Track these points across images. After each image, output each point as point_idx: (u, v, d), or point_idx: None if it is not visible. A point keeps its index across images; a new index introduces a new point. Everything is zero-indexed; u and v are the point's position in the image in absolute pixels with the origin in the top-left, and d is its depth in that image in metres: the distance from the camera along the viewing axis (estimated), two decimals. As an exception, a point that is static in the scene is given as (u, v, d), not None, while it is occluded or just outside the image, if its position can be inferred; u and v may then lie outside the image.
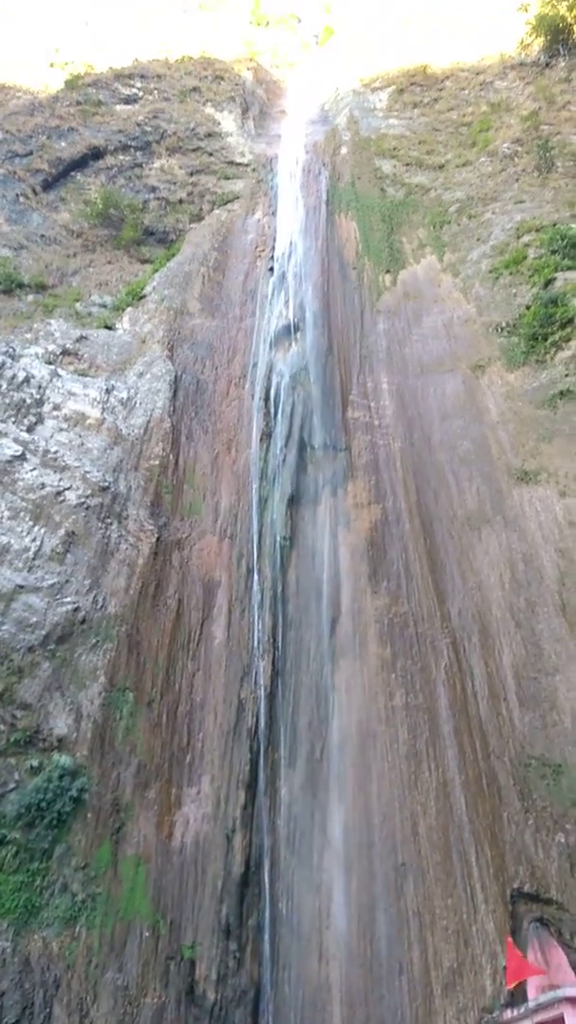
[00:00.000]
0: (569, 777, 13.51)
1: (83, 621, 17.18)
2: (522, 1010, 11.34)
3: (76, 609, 17.20)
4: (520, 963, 11.68)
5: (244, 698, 17.00)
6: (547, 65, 37.15)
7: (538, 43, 37.73)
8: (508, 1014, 11.63)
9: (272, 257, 30.52)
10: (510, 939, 12.45)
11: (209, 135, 39.37)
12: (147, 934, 13.80)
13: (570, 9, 36.45)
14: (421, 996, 12.67)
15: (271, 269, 29.88)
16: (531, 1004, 11.19)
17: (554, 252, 23.13)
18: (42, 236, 30.65)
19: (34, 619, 16.60)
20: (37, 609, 16.78)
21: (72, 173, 34.86)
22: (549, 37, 37.06)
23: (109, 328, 25.64)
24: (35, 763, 14.97)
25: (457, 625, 16.84)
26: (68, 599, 17.29)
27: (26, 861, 13.89)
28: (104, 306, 27.11)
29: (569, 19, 36.56)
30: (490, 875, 13.38)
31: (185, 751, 16.30)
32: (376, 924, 13.74)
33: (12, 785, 14.62)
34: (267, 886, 14.68)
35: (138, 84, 42.91)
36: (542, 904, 12.68)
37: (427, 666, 16.53)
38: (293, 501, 21.05)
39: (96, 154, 35.96)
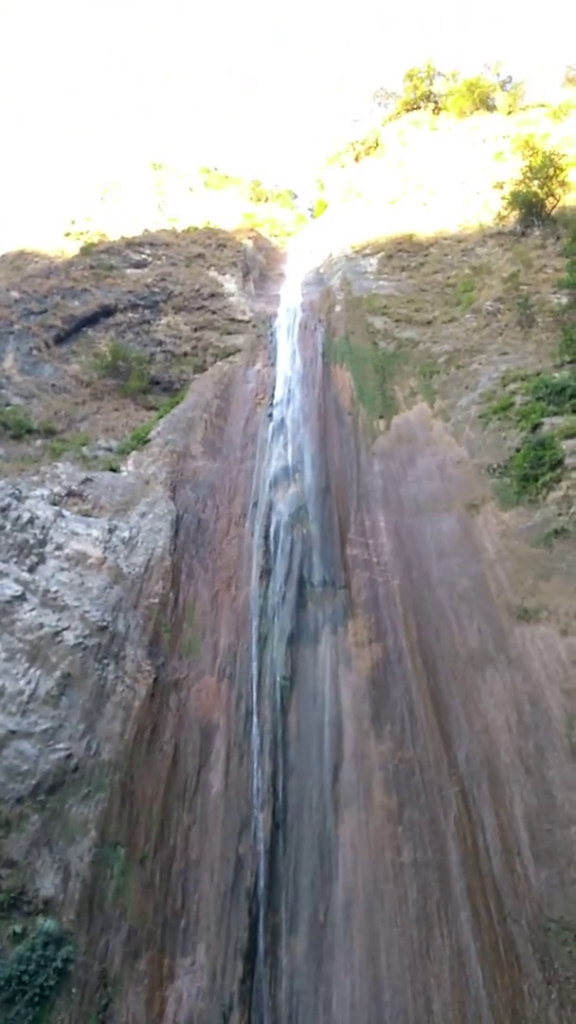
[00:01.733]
0: (593, 943, 12.55)
1: (75, 769, 16.51)
2: None
3: (69, 756, 16.57)
4: None
5: (243, 854, 16.02)
6: (523, 234, 40.77)
7: (514, 215, 41.59)
8: None
9: (271, 404, 32.10)
10: None
11: (212, 295, 42.47)
12: None
13: (541, 187, 40.52)
14: None
15: (270, 415, 31.34)
16: None
17: (539, 399, 24.33)
18: (53, 385, 32.31)
19: (25, 767, 15.95)
20: (28, 756, 16.17)
21: (84, 329, 37.30)
22: (523, 210, 40.91)
23: (114, 471, 26.47)
24: (18, 928, 13.85)
25: (465, 771, 16.19)
26: (61, 745, 16.71)
27: (2, 1046, 12.60)
28: (110, 450, 28.12)
29: (541, 195, 40.55)
30: (514, 1061, 12.10)
31: (179, 915, 15.15)
32: None
33: (-8, 955, 13.49)
34: (267, 1077, 13.23)
35: (147, 251, 46.85)
36: None
37: (436, 817, 15.73)
38: (293, 639, 20.87)
39: (107, 312, 38.66)
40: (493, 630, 18.63)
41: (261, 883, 15.55)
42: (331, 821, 16.64)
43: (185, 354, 37.35)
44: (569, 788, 14.55)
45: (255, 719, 18.79)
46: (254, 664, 20.23)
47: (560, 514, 19.87)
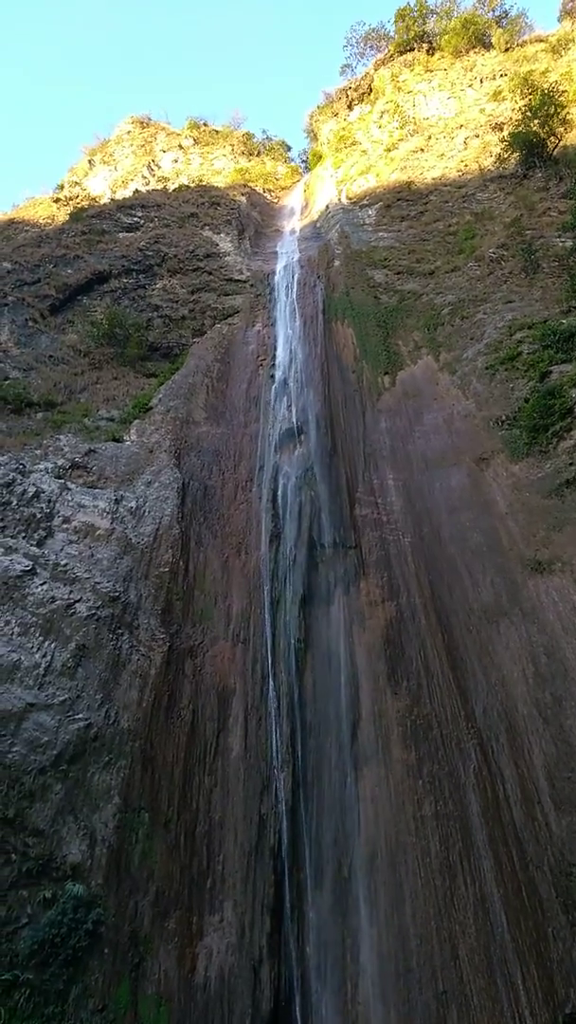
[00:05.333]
0: (615, 887, 12.69)
1: (95, 738, 16.69)
2: None
3: (88, 726, 16.74)
4: None
5: (265, 814, 16.23)
6: (524, 176, 39.57)
7: (514, 157, 40.31)
8: None
9: (273, 365, 31.60)
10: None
11: (208, 256, 41.60)
12: None
13: (542, 126, 39.19)
14: None
15: (273, 376, 30.88)
16: None
17: (547, 347, 23.85)
18: (50, 357, 31.89)
19: (45, 738, 16.13)
20: (48, 728, 16.34)
21: (78, 297, 36.64)
22: (524, 151, 39.64)
23: (117, 440, 26.24)
24: (48, 894, 14.14)
25: (483, 724, 16.26)
26: (80, 715, 16.87)
27: (41, 1005, 12.90)
28: (112, 420, 27.85)
29: (542, 135, 39.24)
30: (539, 1000, 12.31)
31: (205, 875, 15.43)
32: (420, 1065, 12.56)
33: (24, 920, 13.78)
34: (299, 1023, 13.55)
35: (139, 213, 45.81)
36: (599, 1033, 11.64)
37: (455, 770, 15.85)
38: (306, 601, 20.86)
39: (101, 279, 37.92)
40: (506, 583, 18.53)
41: (284, 841, 15.77)
42: (351, 778, 16.82)
43: (183, 318, 36.73)
44: (587, 736, 14.58)
45: (271, 682, 18.89)
46: (268, 628, 20.26)
47: (571, 463, 19.61)
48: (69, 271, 37.38)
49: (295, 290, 37.38)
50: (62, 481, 22.78)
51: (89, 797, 15.67)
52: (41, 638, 17.90)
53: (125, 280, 38.48)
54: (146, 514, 22.97)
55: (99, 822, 15.38)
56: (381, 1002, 13.47)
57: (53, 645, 17.87)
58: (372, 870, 15.17)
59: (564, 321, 24.49)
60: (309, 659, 19.59)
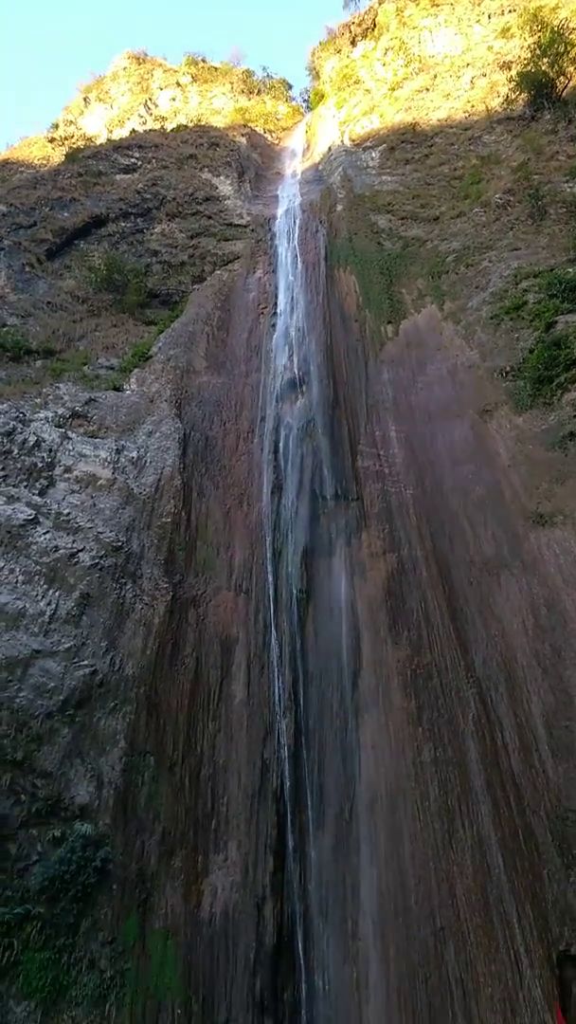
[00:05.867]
0: (609, 830, 13.09)
1: (101, 684, 16.95)
2: None
3: (94, 672, 16.98)
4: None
5: (268, 758, 16.61)
6: (533, 118, 38.31)
7: (522, 98, 38.96)
8: None
9: (275, 313, 31.10)
10: (558, 1005, 11.90)
11: (207, 199, 40.55)
12: (179, 1011, 13.22)
13: (551, 66, 37.78)
14: (470, 1073, 12.02)
15: (274, 325, 30.42)
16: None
17: (553, 296, 23.45)
18: (48, 303, 31.32)
19: (52, 684, 16.38)
20: (54, 674, 16.58)
21: (76, 242, 35.82)
22: (533, 92, 38.28)
23: (117, 390, 25.97)
24: (57, 833, 14.59)
25: (482, 674, 16.53)
26: (85, 662, 17.10)
27: (52, 937, 13.42)
28: (111, 368, 27.51)
29: (551, 74, 37.86)
30: (534, 937, 12.83)
31: (210, 816, 15.86)
32: (417, 995, 13.11)
33: (35, 857, 14.23)
34: (301, 957, 14.10)
35: (136, 154, 44.44)
36: (591, 967, 12.15)
37: (454, 718, 16.17)
38: (308, 553, 20.97)
39: (98, 222, 37.02)
40: (508, 536, 18.60)
41: (287, 785, 16.17)
42: (352, 725, 17.16)
43: (182, 264, 35.98)
44: (585, 686, 14.84)
45: (273, 632, 19.10)
46: (270, 578, 20.40)
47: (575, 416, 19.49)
48: (66, 214, 36.46)
49: (296, 235, 36.54)
50: (63, 430, 22.61)
51: (96, 741, 15.99)
52: (45, 586, 18.01)
53: (123, 224, 37.58)
54: (148, 464, 22.88)
55: (106, 765, 15.72)
56: (381, 938, 14.00)
57: (57, 593, 17.99)
58: (372, 813, 15.61)
59: (571, 270, 24.03)
60: (311, 609, 19.78)
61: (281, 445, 24.43)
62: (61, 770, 15.31)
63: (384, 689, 17.50)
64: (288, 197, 42.70)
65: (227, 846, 15.47)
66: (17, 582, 17.76)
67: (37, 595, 17.80)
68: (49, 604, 17.73)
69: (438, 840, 14.63)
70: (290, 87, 72.73)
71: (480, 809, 14.67)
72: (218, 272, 35.19)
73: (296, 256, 34.65)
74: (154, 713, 17.07)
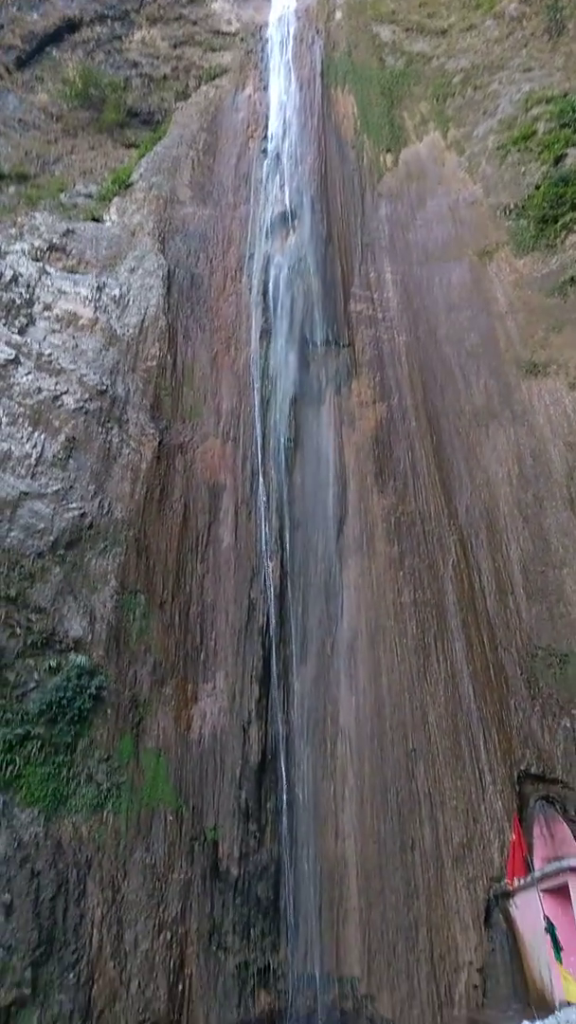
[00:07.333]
0: (575, 665, 13.94)
1: (90, 526, 17.20)
2: (528, 879, 12.12)
3: (83, 515, 17.17)
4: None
5: (254, 598, 17.24)
6: None
7: None
8: (515, 883, 12.45)
9: (265, 137, 28.54)
10: (516, 815, 13.23)
11: (192, 1, 36.04)
12: (171, 818, 14.57)
13: None
14: (433, 868, 13.54)
15: (265, 150, 28.02)
16: (536, 873, 11.95)
17: (565, 126, 21.71)
18: (20, 120, 28.61)
19: (41, 525, 16.61)
20: (43, 515, 16.76)
21: (47, 49, 32.10)
22: None
23: (96, 220, 24.33)
24: (53, 663, 15.38)
25: (465, 522, 16.89)
26: (74, 504, 17.25)
27: (51, 754, 14.49)
28: (90, 196, 25.63)
29: None
30: (498, 758, 14.03)
31: (199, 650, 16.70)
32: (388, 804, 14.48)
33: (32, 684, 15.07)
34: (283, 773, 15.40)
35: None
36: (548, 784, 13.46)
37: (435, 563, 16.70)
38: (296, 401, 20.66)
39: (71, 26, 32.98)
40: (500, 386, 18.36)
41: (272, 622, 16.91)
42: (336, 568, 17.72)
43: (165, 77, 32.55)
44: (564, 534, 15.30)
45: (261, 479, 19.19)
46: (258, 426, 20.21)
47: (579, 260, 18.66)
48: (35, 16, 32.40)
49: (290, 47, 32.81)
50: (40, 264, 21.39)
51: (87, 580, 16.46)
52: (30, 429, 17.79)
53: (98, 29, 33.49)
54: (130, 303, 21.90)
55: (98, 602, 16.29)
56: (357, 756, 15.25)
57: (43, 436, 17.81)
58: (353, 649, 16.51)
59: (587, 96, 22.10)
60: (298, 458, 19.79)
61: (271, 285, 23.33)
62: (54, 606, 15.86)
63: (368, 535, 17.91)
64: (282, 1, 38.01)
65: (215, 676, 16.40)
66: (1, 423, 17.50)
67: (22, 437, 17.62)
68: (35, 447, 17.60)
69: (414, 673, 15.57)
70: None
71: (455, 646, 15.52)
72: (204, 88, 31.91)
73: (290, 71, 31.31)
74: (144, 555, 17.47)
